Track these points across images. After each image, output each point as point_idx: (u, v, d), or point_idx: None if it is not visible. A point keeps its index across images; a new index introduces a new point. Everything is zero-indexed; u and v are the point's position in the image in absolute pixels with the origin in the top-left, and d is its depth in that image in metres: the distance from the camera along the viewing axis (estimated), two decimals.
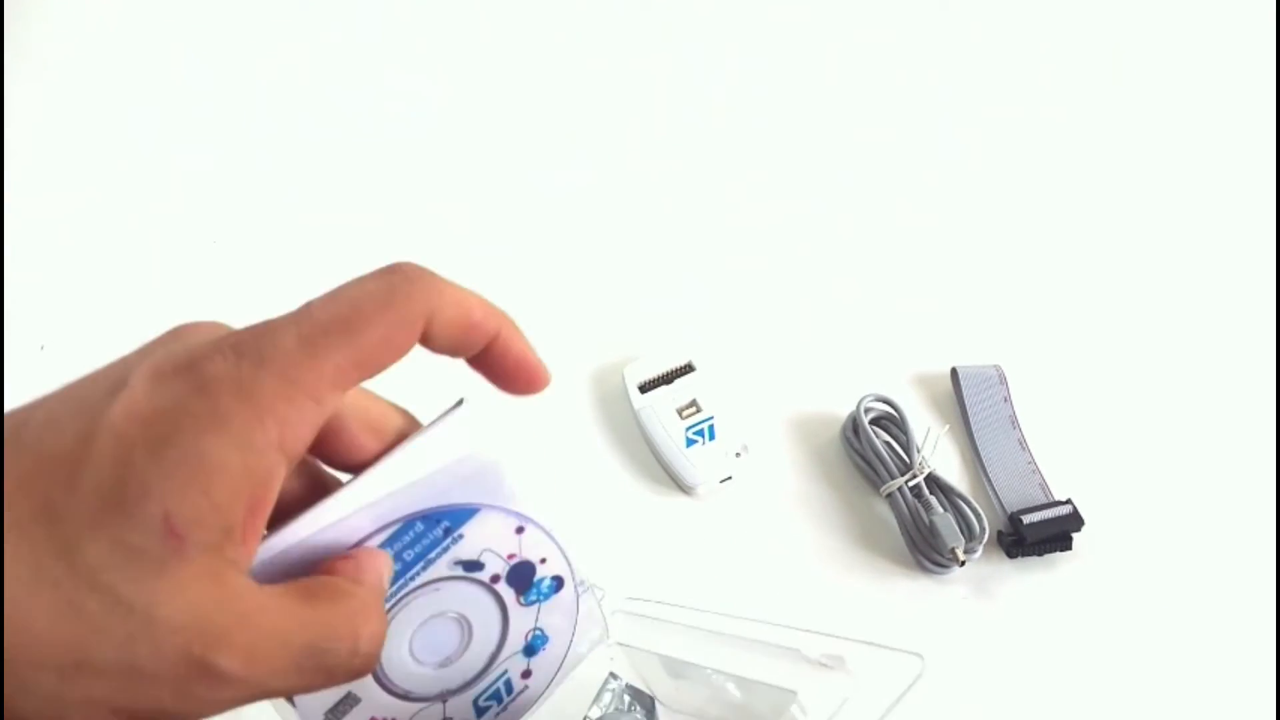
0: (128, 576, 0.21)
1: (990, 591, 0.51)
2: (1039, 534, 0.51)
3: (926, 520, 0.51)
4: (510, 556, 0.29)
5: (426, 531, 0.28)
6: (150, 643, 0.22)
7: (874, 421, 0.55)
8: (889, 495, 0.53)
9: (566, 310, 0.61)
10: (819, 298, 0.62)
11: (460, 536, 0.28)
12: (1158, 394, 0.58)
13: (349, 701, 0.28)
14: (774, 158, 0.69)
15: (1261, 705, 0.48)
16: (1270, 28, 0.74)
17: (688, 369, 0.57)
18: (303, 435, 0.24)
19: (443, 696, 0.29)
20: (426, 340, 0.26)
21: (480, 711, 0.30)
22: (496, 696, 0.30)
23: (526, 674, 0.30)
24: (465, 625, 0.29)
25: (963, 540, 0.50)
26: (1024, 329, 0.61)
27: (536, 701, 0.30)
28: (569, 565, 0.30)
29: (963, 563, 0.50)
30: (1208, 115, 0.71)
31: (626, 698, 0.44)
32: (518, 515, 0.29)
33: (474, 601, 0.29)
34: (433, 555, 0.28)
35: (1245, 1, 0.77)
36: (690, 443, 0.54)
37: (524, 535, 0.29)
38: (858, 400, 0.55)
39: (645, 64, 0.74)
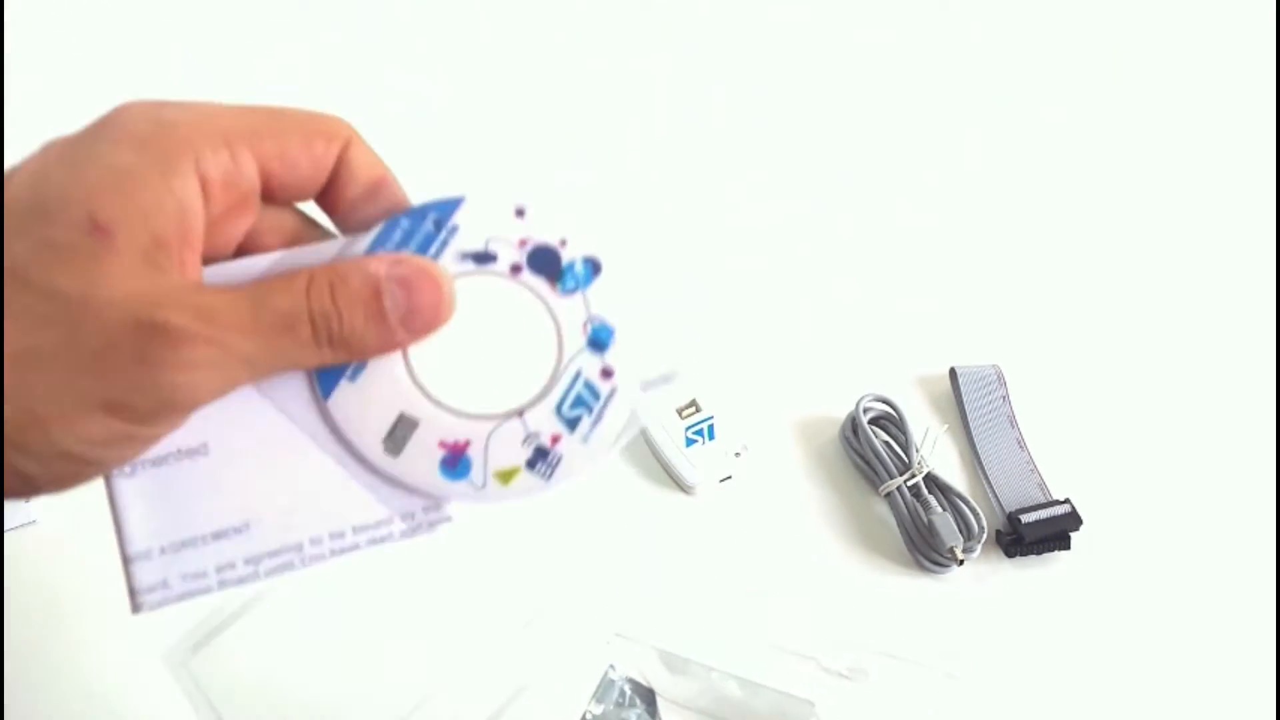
0: (58, 271, 0.22)
1: (989, 590, 0.52)
2: (1037, 533, 0.51)
3: (925, 519, 0.51)
4: (522, 243, 0.27)
5: (414, 229, 0.27)
6: (94, 321, 0.22)
7: (873, 421, 0.55)
8: (888, 495, 0.53)
9: None
10: (818, 298, 0.62)
11: (455, 228, 0.27)
12: (1156, 393, 0.58)
13: (405, 425, 0.26)
14: (774, 158, 0.69)
15: (1261, 704, 0.48)
16: (1270, 28, 0.74)
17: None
18: (216, 179, 0.24)
19: (517, 411, 0.27)
20: (337, 179, 0.27)
21: (571, 423, 0.27)
22: (582, 403, 0.27)
23: (607, 373, 0.27)
24: (505, 326, 0.27)
25: (961, 539, 0.50)
26: (1022, 329, 0.61)
27: (633, 403, 0.27)
28: (596, 245, 0.28)
29: (961, 562, 0.50)
30: (1208, 116, 0.71)
31: (626, 689, 0.44)
32: (512, 200, 0.27)
33: (502, 297, 0.27)
34: (431, 251, 0.26)
35: (1245, 1, 0.77)
36: (690, 442, 0.55)
37: (527, 217, 0.27)
38: (856, 400, 0.55)
39: (645, 64, 0.74)
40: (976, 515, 0.51)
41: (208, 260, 0.25)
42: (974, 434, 0.56)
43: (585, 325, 0.27)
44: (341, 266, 0.25)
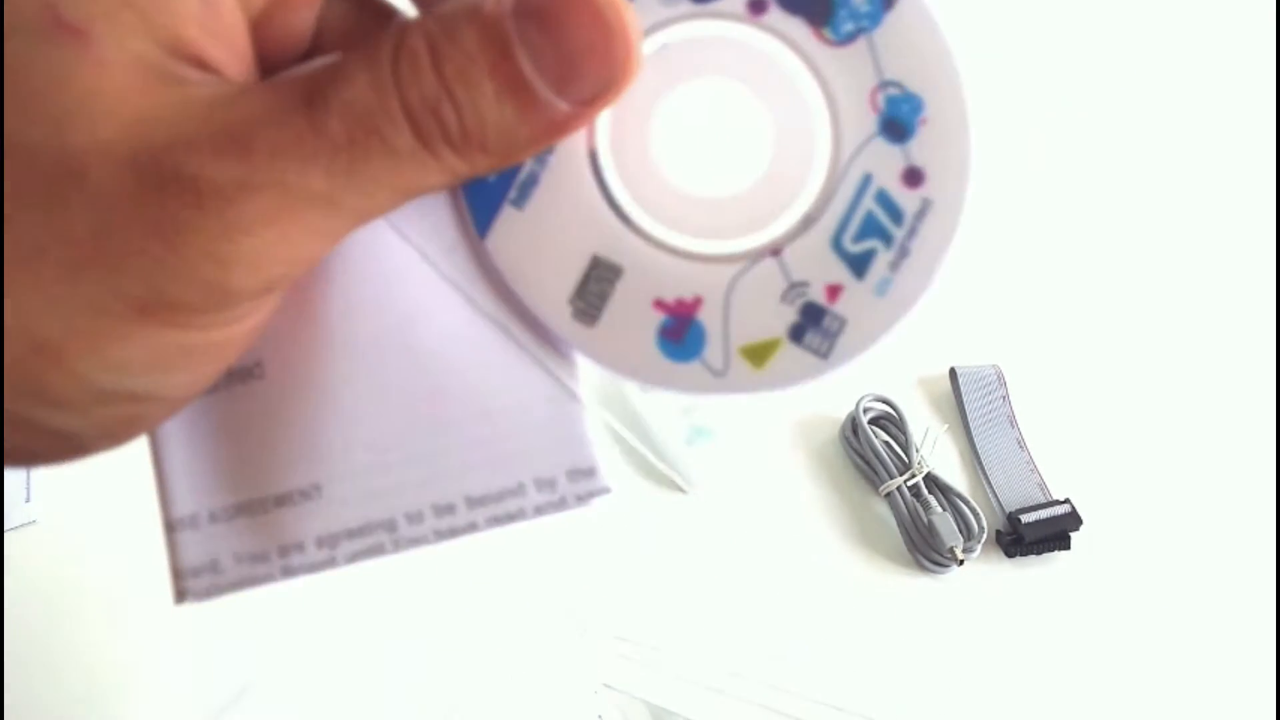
0: (10, 108, 0.14)
1: (989, 591, 0.51)
2: (1037, 533, 0.51)
3: (925, 519, 0.51)
4: None
5: None
6: (78, 180, 0.15)
7: (873, 421, 0.55)
8: (888, 495, 0.53)
9: None
10: None
11: None
12: (1156, 393, 0.58)
13: (604, 274, 0.17)
14: None
15: (1261, 704, 0.48)
16: (1270, 28, 0.74)
17: None
18: None
19: (771, 248, 0.17)
20: None
21: (857, 264, 0.17)
22: (875, 229, 0.17)
23: (913, 176, 0.17)
24: (746, 105, 0.17)
25: (961, 539, 0.50)
26: (1022, 329, 0.61)
27: (957, 225, 0.17)
28: None
29: (961, 562, 0.50)
30: (1208, 115, 0.71)
31: None
32: None
33: (739, 56, 0.17)
34: None
35: (1245, 1, 0.77)
36: (690, 442, 0.55)
37: None
38: (857, 400, 0.55)
39: None
40: (976, 515, 0.51)
41: (264, 75, 0.17)
42: (974, 434, 0.56)
43: (874, 95, 0.17)
44: (443, 15, 0.15)
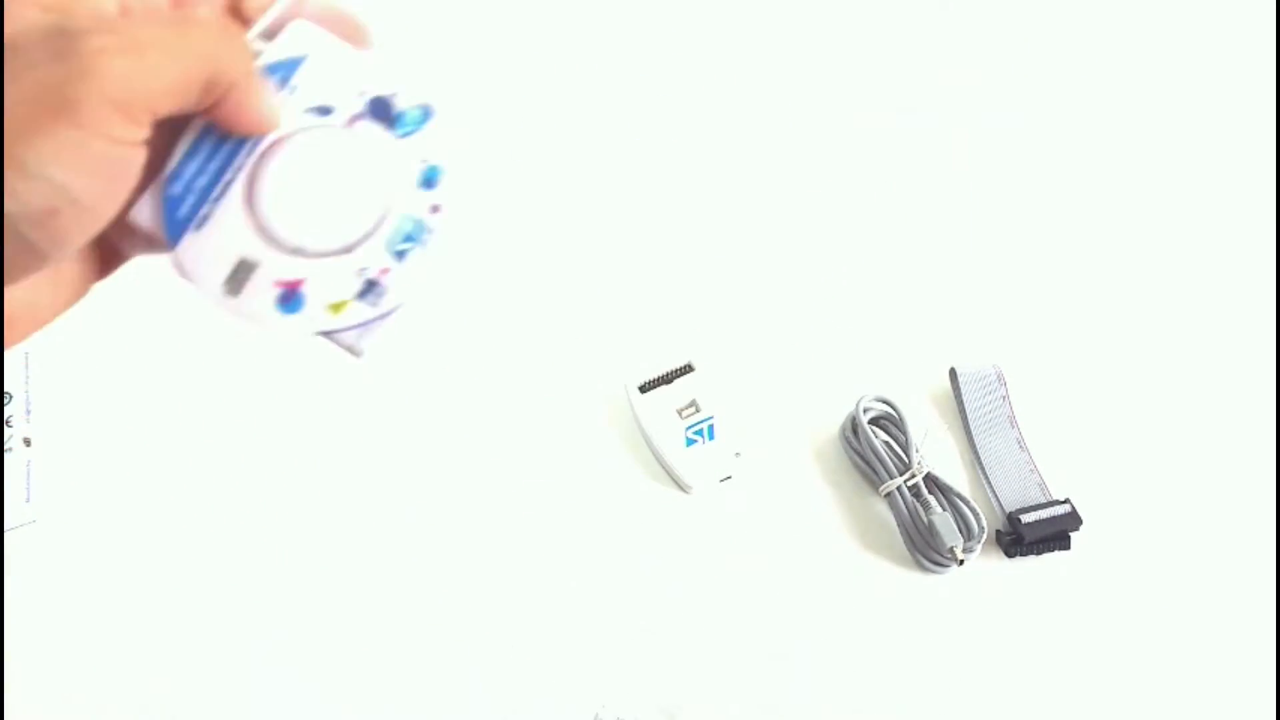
0: None
1: (988, 590, 0.52)
2: (1037, 533, 0.51)
3: (925, 519, 0.51)
4: (361, 94, 0.29)
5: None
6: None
7: (873, 421, 0.55)
8: (888, 495, 0.53)
9: (567, 311, 0.62)
10: (818, 298, 0.62)
11: (295, 88, 0.29)
12: (1156, 393, 0.58)
13: (244, 270, 0.28)
14: (773, 157, 0.69)
15: (1261, 704, 0.48)
16: (1270, 28, 0.74)
17: (687, 369, 0.57)
18: None
19: (346, 248, 0.29)
20: None
21: (400, 256, 0.29)
22: (410, 237, 0.29)
23: (436, 209, 0.29)
24: (343, 171, 0.29)
25: (961, 539, 0.50)
26: (1022, 329, 0.61)
27: (455, 230, 0.30)
28: (430, 92, 0.30)
29: (961, 562, 0.50)
30: (1208, 114, 0.71)
31: None
32: (351, 56, 0.29)
33: (339, 146, 0.29)
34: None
35: (1245, 1, 0.77)
36: (690, 443, 0.55)
37: (365, 70, 0.29)
38: (856, 400, 0.55)
39: (645, 62, 0.74)
40: (976, 515, 0.51)
41: None
42: (974, 434, 0.56)
43: (417, 166, 0.29)
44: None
